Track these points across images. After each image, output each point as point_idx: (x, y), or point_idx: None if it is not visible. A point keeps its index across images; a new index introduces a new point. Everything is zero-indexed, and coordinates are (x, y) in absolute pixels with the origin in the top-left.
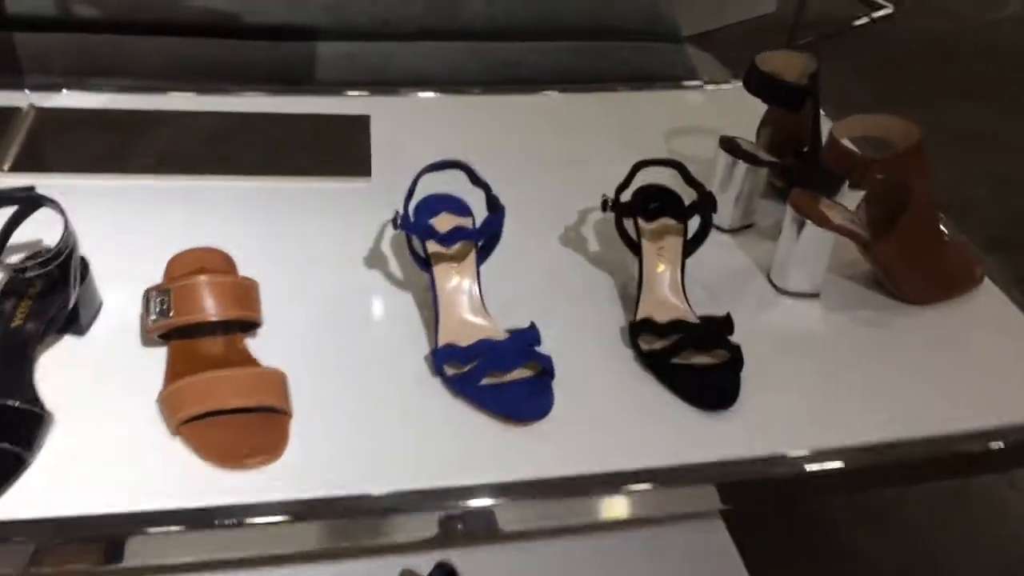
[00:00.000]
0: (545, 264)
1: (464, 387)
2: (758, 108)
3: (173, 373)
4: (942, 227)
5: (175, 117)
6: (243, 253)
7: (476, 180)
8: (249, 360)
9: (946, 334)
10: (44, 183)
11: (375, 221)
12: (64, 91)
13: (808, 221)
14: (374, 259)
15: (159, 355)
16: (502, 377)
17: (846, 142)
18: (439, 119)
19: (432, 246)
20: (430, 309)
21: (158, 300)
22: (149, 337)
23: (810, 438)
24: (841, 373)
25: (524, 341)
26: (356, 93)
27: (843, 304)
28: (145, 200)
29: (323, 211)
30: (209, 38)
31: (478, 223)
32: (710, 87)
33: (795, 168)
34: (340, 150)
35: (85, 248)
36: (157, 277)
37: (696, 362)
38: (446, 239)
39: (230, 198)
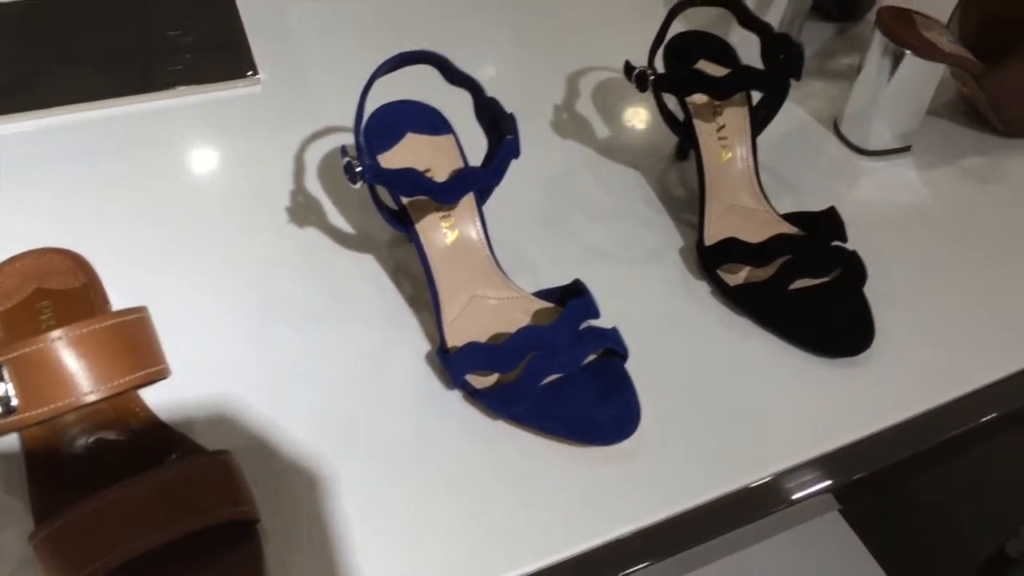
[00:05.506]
0: (550, 173)
1: (511, 404)
2: None
3: (40, 496)
4: None
5: None
6: (92, 239)
7: (456, 78)
8: (162, 441)
9: None
10: None
11: (286, 144)
12: None
13: (908, 52)
14: (307, 211)
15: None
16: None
17: None
18: None
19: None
20: (410, 281)
21: None
22: None
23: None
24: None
25: (578, 317)
26: None
27: (944, 156)
28: None
29: (202, 144)
30: None
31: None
32: None
33: None
34: (202, 40)
35: None
36: None
37: (804, 288)
38: (445, 191)
39: (48, 150)
